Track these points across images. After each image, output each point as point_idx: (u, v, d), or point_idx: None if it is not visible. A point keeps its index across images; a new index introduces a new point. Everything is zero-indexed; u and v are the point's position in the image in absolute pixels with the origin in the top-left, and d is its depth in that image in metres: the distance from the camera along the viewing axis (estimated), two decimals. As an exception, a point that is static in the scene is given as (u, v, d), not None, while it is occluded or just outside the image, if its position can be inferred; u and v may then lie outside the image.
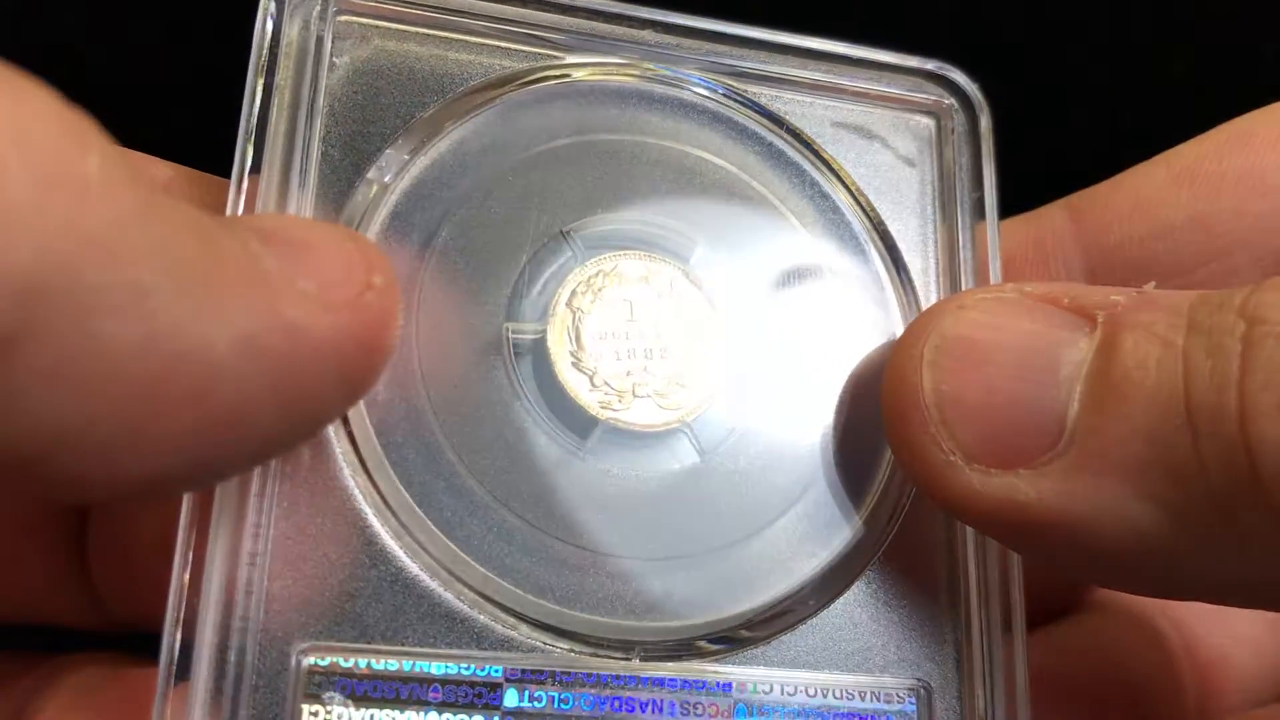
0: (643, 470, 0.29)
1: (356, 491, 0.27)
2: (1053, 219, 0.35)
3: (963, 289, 0.32)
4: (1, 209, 0.18)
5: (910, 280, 0.32)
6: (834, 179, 0.32)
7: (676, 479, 0.29)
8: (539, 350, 0.29)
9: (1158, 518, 0.24)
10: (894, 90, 0.34)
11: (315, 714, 0.26)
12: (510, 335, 0.29)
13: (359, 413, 0.28)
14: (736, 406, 0.30)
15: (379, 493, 0.27)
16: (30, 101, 0.19)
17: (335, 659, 0.26)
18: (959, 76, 0.34)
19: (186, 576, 0.26)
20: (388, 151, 0.30)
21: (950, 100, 0.34)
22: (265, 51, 0.29)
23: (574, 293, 0.30)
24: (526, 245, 0.30)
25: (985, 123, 0.33)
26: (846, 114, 0.33)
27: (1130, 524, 0.24)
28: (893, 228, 0.33)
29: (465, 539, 0.28)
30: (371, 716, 0.26)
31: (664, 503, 0.29)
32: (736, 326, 0.31)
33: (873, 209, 0.32)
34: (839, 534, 0.30)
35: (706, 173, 0.32)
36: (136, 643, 0.31)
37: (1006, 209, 0.35)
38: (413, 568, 0.27)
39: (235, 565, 0.26)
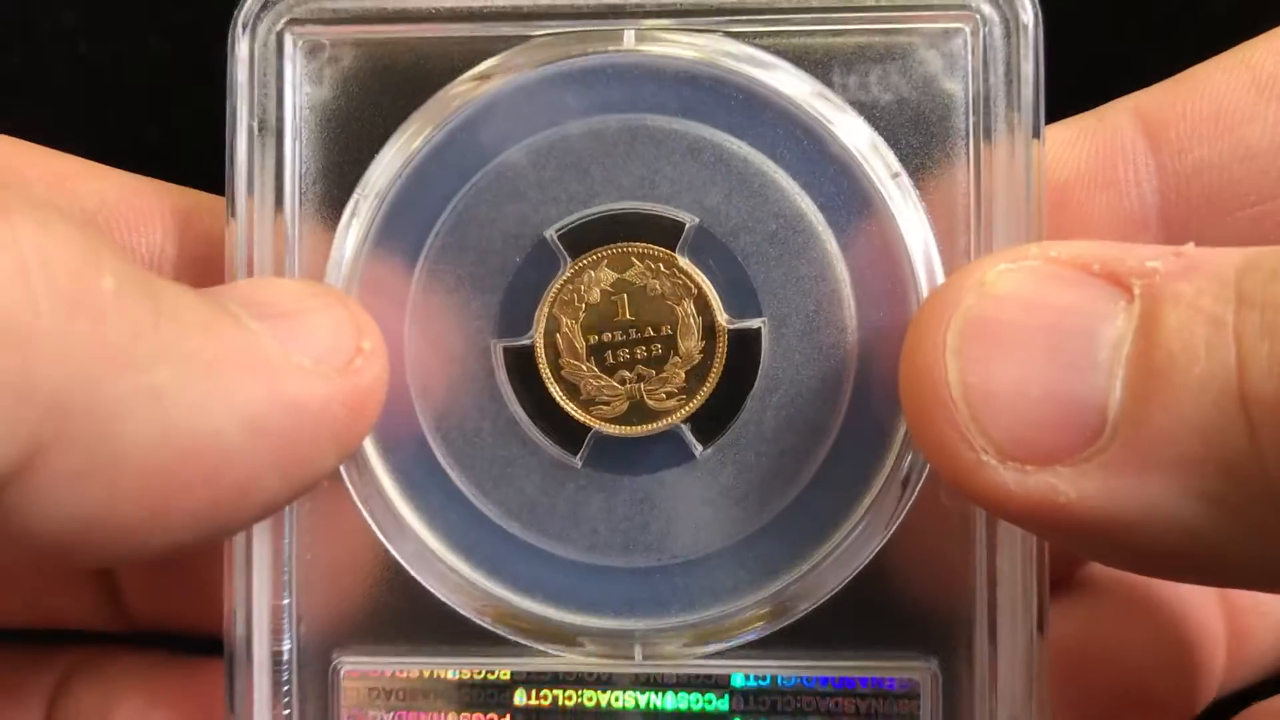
0: (639, 472, 0.30)
1: (367, 515, 0.30)
2: (1122, 132, 0.30)
3: (995, 240, 0.29)
4: (31, 333, 0.21)
5: (934, 236, 0.29)
6: (842, 124, 0.29)
7: (674, 478, 0.30)
8: (528, 363, 0.30)
9: (1211, 515, 0.22)
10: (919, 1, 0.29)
11: (353, 716, 0.30)
12: (499, 350, 0.30)
13: (364, 445, 0.30)
14: (736, 395, 0.30)
15: (386, 515, 0.30)
16: (51, 230, 0.21)
17: (366, 667, 0.30)
18: (994, -27, 0.29)
19: (236, 601, 0.30)
20: (372, 167, 0.30)
21: (986, 4, 0.29)
22: (239, 85, 0.30)
23: (558, 299, 0.30)
24: (512, 253, 0.30)
25: (1029, 26, 0.28)
26: (864, 37, 0.29)
27: (1180, 524, 0.22)
28: (916, 167, 0.29)
29: (470, 553, 0.30)
30: (400, 716, 0.30)
31: (663, 502, 0.30)
32: (733, 310, 0.29)
33: (889, 153, 0.29)
34: (846, 519, 0.29)
35: (695, 143, 0.30)
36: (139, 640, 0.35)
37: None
38: (424, 584, 0.30)
39: (275, 590, 0.30)
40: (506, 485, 0.30)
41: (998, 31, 0.29)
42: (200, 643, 0.33)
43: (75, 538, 0.23)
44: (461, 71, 0.30)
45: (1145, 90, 0.30)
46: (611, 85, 0.30)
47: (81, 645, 0.35)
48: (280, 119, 0.30)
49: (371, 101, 0.30)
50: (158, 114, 0.33)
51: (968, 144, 0.29)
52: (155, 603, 0.35)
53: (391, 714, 0.30)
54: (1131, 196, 0.30)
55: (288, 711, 0.30)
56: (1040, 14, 0.29)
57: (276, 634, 0.30)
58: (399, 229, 0.30)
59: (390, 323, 0.29)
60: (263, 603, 0.30)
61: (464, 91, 0.30)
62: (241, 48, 0.30)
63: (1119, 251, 0.24)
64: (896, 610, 0.29)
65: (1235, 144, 0.28)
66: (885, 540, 0.29)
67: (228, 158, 0.30)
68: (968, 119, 0.29)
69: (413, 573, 0.30)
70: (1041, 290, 0.24)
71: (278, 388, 0.24)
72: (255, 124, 0.30)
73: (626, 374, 0.30)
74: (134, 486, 0.22)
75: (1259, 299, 0.21)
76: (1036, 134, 0.28)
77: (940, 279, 0.29)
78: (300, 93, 0.30)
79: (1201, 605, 0.33)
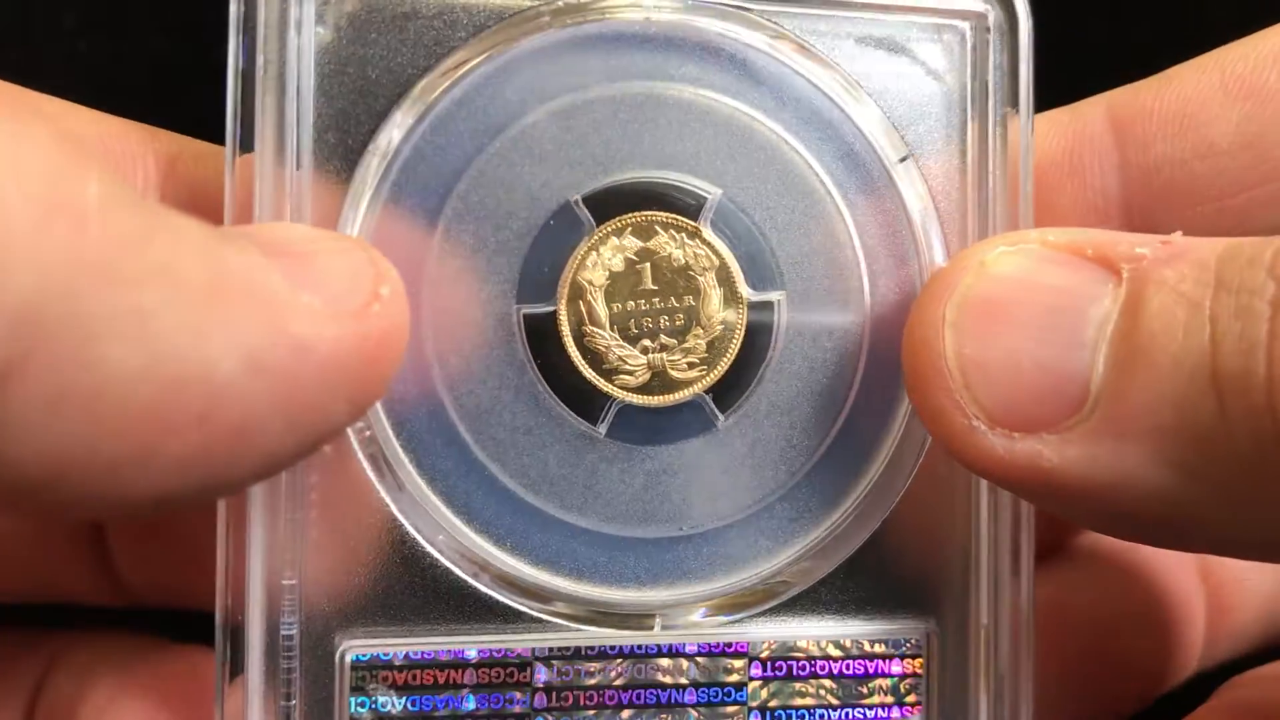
0: (659, 442, 0.30)
1: (379, 487, 0.28)
2: (1092, 125, 0.32)
3: (992, 221, 0.31)
4: (1, 239, 0.18)
5: (938, 217, 0.31)
6: (854, 108, 0.30)
7: (694, 448, 0.30)
8: (550, 331, 0.29)
9: (1182, 483, 0.23)
10: (923, -2, 0.31)
11: (362, 705, 0.28)
12: (520, 317, 0.29)
13: (375, 408, 0.28)
14: (754, 366, 0.30)
15: (400, 487, 0.28)
16: (27, 134, 0.19)
17: (375, 652, 0.28)
18: (994, -26, 0.31)
19: (229, 578, 0.27)
20: (386, 121, 0.28)
21: (985, 4, 0.31)
22: (242, 27, 0.27)
23: (582, 265, 0.29)
24: (534, 218, 0.29)
25: (1023, 25, 0.31)
26: (869, 27, 0.31)
27: (1154, 489, 0.24)
28: (920, 154, 0.31)
29: (488, 527, 0.29)
30: (413, 701, 0.28)
31: (682, 472, 0.30)
32: (753, 283, 0.30)
33: (896, 137, 0.31)
34: (856, 488, 0.30)
35: (719, 116, 0.30)
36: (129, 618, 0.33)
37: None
38: (440, 559, 0.28)
39: (275, 566, 0.27)
40: (526, 455, 0.29)
41: (995, 29, 0.31)
42: (198, 620, 0.30)
43: (52, 475, 0.20)
44: (476, 26, 0.29)
45: (1121, 89, 0.32)
46: (636, 52, 0.30)
47: (71, 630, 0.32)
48: (296, 66, 0.28)
49: (388, 50, 0.28)
50: (158, 114, 0.31)
51: (966, 132, 0.31)
52: (150, 574, 0.31)
53: (403, 699, 0.28)
54: (1095, 186, 0.32)
55: (286, 692, 0.27)
56: (1031, 15, 0.31)
57: (273, 614, 0.27)
58: (414, 190, 0.29)
59: (406, 286, 0.28)
60: (257, 580, 0.27)
61: (482, 48, 0.29)
62: None
63: (1111, 238, 0.26)
64: (900, 575, 0.31)
65: (1198, 142, 0.31)
66: (892, 508, 0.31)
67: (228, 102, 0.27)
68: (967, 109, 0.31)
69: (426, 546, 0.28)
70: (1036, 271, 0.26)
71: (282, 324, 0.22)
72: (262, 62, 0.27)
73: (649, 343, 0.29)
74: (117, 419, 0.20)
75: (1235, 284, 0.23)
76: (1029, 124, 0.30)
77: (941, 256, 0.31)
78: (313, 39, 0.28)
79: (1181, 578, 0.36)
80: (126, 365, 0.20)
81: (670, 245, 0.30)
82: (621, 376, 0.29)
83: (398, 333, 0.24)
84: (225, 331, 0.21)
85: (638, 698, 0.29)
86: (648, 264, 0.30)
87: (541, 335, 0.29)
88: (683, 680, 0.30)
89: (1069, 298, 0.25)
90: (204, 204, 0.28)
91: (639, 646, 0.29)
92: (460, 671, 0.28)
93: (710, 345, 0.30)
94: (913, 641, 0.31)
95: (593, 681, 0.29)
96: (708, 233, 0.30)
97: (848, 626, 0.30)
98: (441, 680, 0.28)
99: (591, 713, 0.29)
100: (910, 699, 0.31)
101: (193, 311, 0.20)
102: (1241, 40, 0.31)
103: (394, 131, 0.28)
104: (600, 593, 0.29)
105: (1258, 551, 0.26)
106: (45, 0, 0.37)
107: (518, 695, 0.29)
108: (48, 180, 0.19)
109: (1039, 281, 0.26)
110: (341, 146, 0.28)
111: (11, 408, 0.19)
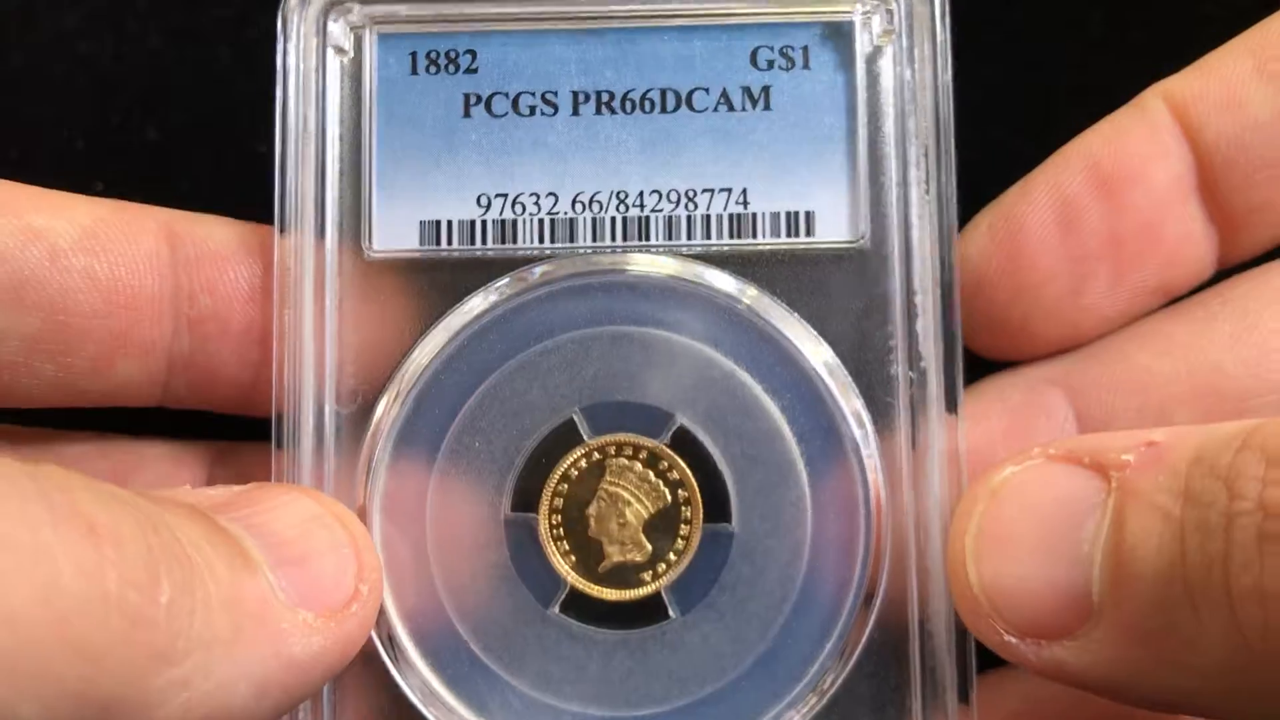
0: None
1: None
2: (1158, 114, 0.33)
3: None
4: (102, 649, 0.23)
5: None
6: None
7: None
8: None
9: (1183, 680, 0.26)
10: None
11: None
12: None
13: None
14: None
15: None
16: (125, 550, 0.23)
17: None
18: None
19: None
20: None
21: None
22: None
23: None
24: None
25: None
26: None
27: (1161, 684, 0.27)
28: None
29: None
30: None
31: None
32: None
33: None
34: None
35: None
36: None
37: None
38: None
39: None
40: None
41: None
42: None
43: None
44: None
45: (1169, 78, 0.34)
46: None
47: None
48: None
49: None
50: (158, 114, 0.33)
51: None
52: None
53: None
54: (1176, 172, 0.33)
55: None
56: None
57: None
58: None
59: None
60: None
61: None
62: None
63: (1104, 442, 0.28)
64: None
65: (1244, 118, 0.33)
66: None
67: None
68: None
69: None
70: (1039, 488, 0.28)
71: (284, 650, 0.26)
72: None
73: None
74: None
75: (1200, 495, 0.25)
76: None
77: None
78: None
79: None
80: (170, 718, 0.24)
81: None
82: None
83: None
84: (243, 673, 0.25)
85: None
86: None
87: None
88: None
89: (1066, 512, 0.28)
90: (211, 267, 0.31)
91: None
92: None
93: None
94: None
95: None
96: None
97: None
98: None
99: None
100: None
101: (220, 668, 0.25)
102: (1270, 20, 0.33)
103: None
104: None
105: None
106: (45, 0, 0.38)
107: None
108: (138, 593, 0.23)
109: (1041, 499, 0.28)
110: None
111: None
